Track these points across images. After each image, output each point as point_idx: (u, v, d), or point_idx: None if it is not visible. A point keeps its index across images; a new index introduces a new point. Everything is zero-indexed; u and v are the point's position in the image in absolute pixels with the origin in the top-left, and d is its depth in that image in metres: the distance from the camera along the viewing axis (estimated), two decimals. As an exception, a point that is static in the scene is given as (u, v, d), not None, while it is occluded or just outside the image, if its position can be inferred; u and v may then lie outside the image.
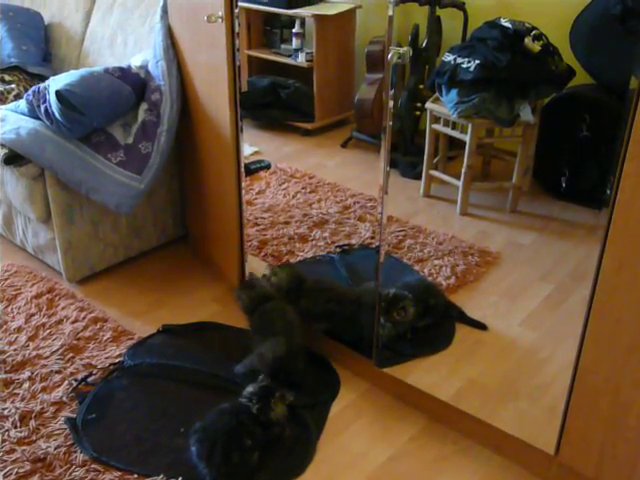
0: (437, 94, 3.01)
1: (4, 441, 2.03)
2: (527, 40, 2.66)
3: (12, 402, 2.18)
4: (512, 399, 2.12)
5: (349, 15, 3.37)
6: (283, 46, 3.66)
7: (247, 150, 2.57)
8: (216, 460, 1.89)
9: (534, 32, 2.68)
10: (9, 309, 2.65)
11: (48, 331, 2.52)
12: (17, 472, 1.92)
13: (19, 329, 2.53)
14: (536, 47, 2.66)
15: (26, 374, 2.30)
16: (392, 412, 2.18)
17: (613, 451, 1.72)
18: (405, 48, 1.80)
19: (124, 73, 2.69)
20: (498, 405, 2.10)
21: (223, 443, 1.90)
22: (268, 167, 3.40)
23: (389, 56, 1.82)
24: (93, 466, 1.95)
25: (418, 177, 3.15)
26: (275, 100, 3.67)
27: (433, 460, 2.01)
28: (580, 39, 2.63)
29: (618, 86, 2.58)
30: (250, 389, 2.04)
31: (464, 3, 2.89)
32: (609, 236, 1.54)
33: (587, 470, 1.79)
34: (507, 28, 2.72)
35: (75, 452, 1.99)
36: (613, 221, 1.53)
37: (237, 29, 2.28)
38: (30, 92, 2.65)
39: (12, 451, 1.99)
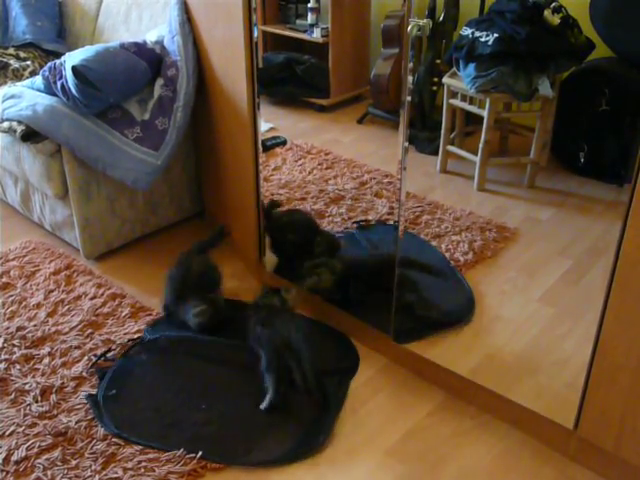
0: (454, 68, 2.98)
1: (26, 415, 2.05)
2: (546, 12, 2.63)
3: (33, 377, 2.20)
4: (531, 374, 2.12)
5: (365, -11, 3.34)
6: (298, 21, 3.63)
7: (263, 126, 2.56)
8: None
9: (554, 4, 2.64)
10: (28, 285, 2.66)
11: (67, 307, 2.53)
12: (39, 445, 1.94)
13: (38, 305, 2.55)
14: (556, 20, 2.62)
15: (46, 349, 2.32)
16: (410, 387, 2.19)
17: (633, 425, 1.72)
18: (425, 20, 1.78)
19: (140, 48, 2.68)
20: (516, 380, 2.10)
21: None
22: (284, 143, 3.39)
23: (408, 28, 1.79)
24: (114, 440, 1.97)
25: (435, 153, 3.13)
26: (290, 76, 3.64)
27: (451, 435, 2.01)
28: (600, 11, 2.59)
29: (639, 59, 2.55)
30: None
31: (482, -25, 2.85)
32: (631, 209, 1.53)
33: (607, 444, 1.79)
34: (526, 0, 2.68)
35: (96, 426, 2.02)
36: (636, 194, 1.51)
37: (254, 4, 2.26)
38: (46, 68, 2.64)
39: (34, 425, 2.01)
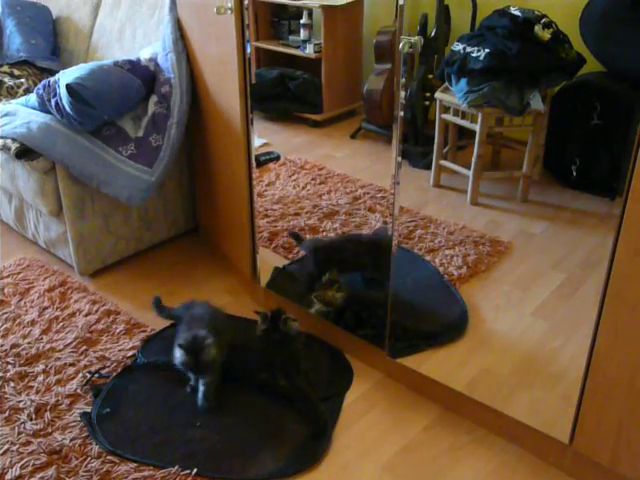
0: (446, 84, 2.99)
1: (20, 433, 2.04)
2: (537, 28, 2.65)
3: (27, 395, 2.19)
4: (525, 388, 2.12)
5: (357, 5, 3.35)
6: (291, 37, 3.65)
7: (256, 142, 2.57)
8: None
9: (544, 20, 2.66)
10: (22, 302, 2.66)
11: (61, 324, 2.53)
12: (33, 464, 1.93)
13: (32, 322, 2.54)
14: (546, 35, 2.65)
15: (40, 367, 2.31)
16: (405, 402, 2.19)
17: (628, 439, 1.72)
18: (416, 37, 1.79)
19: (134, 66, 2.69)
20: (512, 394, 2.10)
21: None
22: (277, 159, 3.40)
23: (400, 45, 1.81)
24: (109, 458, 1.96)
25: (428, 167, 3.14)
26: (283, 92, 3.66)
27: (447, 449, 2.01)
28: (590, 26, 2.61)
29: (629, 73, 2.58)
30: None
31: (473, -9, 2.88)
32: (623, 223, 1.54)
33: (602, 458, 1.79)
34: (517, 16, 2.70)
35: (90, 444, 2.01)
36: (627, 208, 1.52)
37: (247, 21, 2.28)
38: (40, 86, 2.65)
39: (28, 443, 2.01)
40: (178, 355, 2.11)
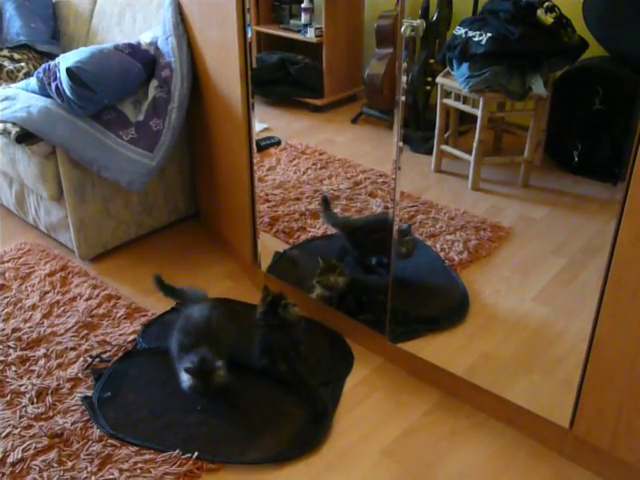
0: (448, 68, 2.98)
1: (22, 417, 2.05)
2: (540, 12, 2.63)
3: (28, 379, 2.20)
4: (526, 373, 2.12)
5: (358, -11, 3.34)
6: (292, 21, 3.63)
7: (257, 126, 2.56)
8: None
9: (547, 4, 2.65)
10: (23, 287, 2.66)
11: (62, 308, 2.53)
12: (35, 447, 1.94)
13: (33, 307, 2.54)
14: (549, 19, 2.63)
15: (41, 351, 2.32)
16: (406, 387, 2.19)
17: (628, 424, 1.72)
18: (418, 21, 1.78)
19: (134, 50, 2.68)
20: (512, 379, 2.10)
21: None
22: (278, 143, 3.39)
23: (402, 29, 1.80)
24: (110, 441, 1.97)
25: (429, 152, 3.13)
26: (284, 76, 3.64)
27: (447, 434, 2.02)
28: (593, 10, 2.59)
29: (632, 58, 2.56)
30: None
31: (475, -25, 2.86)
32: (625, 208, 1.54)
33: (602, 443, 1.80)
34: (519, 0, 2.69)
35: (92, 427, 2.01)
36: (630, 193, 1.52)
37: (247, 4, 2.26)
38: (40, 70, 2.64)
39: (30, 427, 2.01)
40: (185, 379, 2.06)
